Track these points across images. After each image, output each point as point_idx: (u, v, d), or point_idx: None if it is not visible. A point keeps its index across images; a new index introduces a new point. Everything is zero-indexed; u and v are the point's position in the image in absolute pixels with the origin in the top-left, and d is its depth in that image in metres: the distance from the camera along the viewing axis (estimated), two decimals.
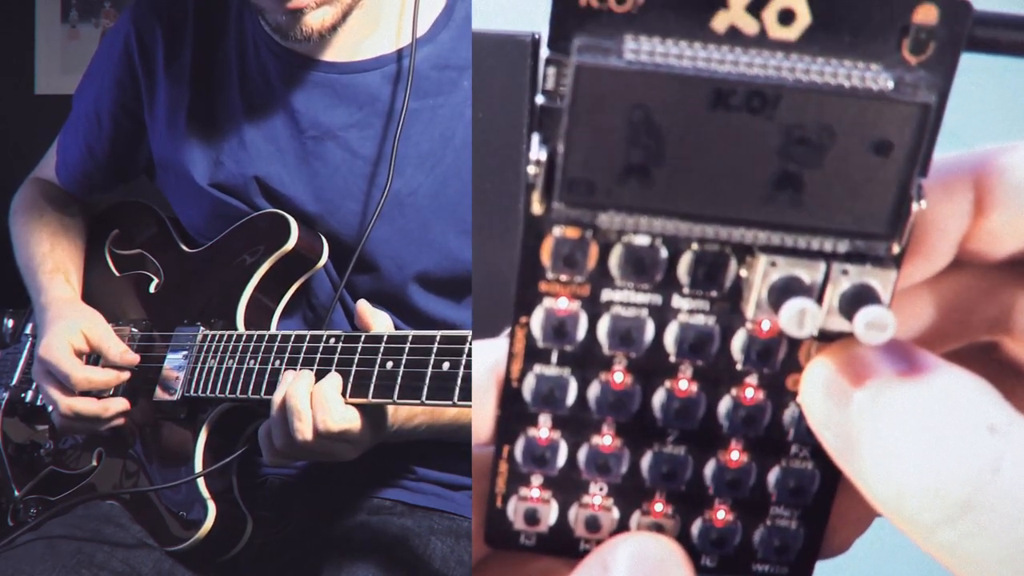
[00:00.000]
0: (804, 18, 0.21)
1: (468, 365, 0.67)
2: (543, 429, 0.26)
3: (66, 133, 1.05)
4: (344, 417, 0.71)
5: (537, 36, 0.64)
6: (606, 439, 0.26)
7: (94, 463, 0.94)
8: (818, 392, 0.23)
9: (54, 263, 1.00)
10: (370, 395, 0.71)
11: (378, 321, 0.76)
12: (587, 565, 0.25)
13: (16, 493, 0.97)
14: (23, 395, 1.02)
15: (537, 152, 0.23)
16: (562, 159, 0.22)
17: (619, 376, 0.25)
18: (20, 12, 1.74)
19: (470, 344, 0.68)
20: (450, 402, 0.68)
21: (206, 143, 0.91)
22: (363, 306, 0.76)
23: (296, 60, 0.89)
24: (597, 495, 0.27)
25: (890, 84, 0.21)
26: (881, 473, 0.21)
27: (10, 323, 1.09)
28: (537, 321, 0.25)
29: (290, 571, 0.86)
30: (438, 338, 0.70)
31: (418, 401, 0.69)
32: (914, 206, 0.22)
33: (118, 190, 1.06)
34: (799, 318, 0.22)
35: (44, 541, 0.84)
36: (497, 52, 0.98)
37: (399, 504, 0.89)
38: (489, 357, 0.26)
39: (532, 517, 0.27)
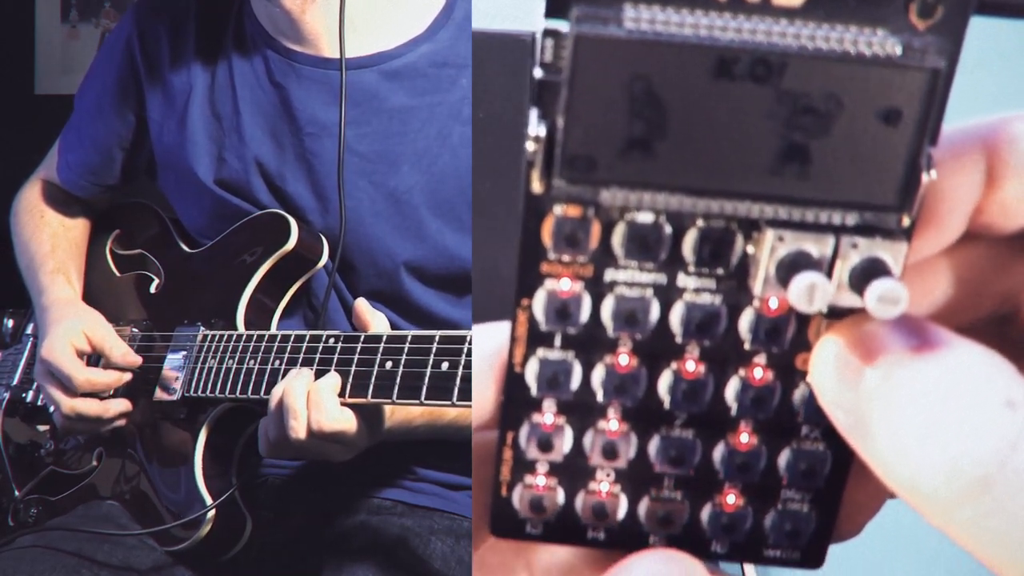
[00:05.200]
0: None
1: (468, 365, 0.67)
2: (548, 415, 0.25)
3: (68, 133, 1.05)
4: (338, 419, 0.71)
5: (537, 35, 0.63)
6: (612, 424, 0.25)
7: (94, 463, 0.94)
8: (829, 370, 0.22)
9: (55, 264, 1.00)
10: (369, 395, 0.71)
11: (376, 321, 0.76)
12: None
13: (16, 493, 0.97)
14: (24, 395, 1.02)
15: (536, 128, 0.22)
16: (562, 134, 0.21)
17: (624, 359, 0.24)
18: (20, 12, 1.74)
19: (469, 344, 0.68)
20: (449, 402, 0.67)
21: (209, 141, 0.91)
22: (361, 304, 0.76)
23: (294, 56, 0.89)
24: (604, 481, 0.26)
25: (898, 50, 0.20)
26: (895, 452, 0.20)
27: (11, 323, 1.09)
28: (539, 303, 0.24)
29: (290, 571, 0.86)
30: (437, 338, 0.70)
31: (417, 401, 0.69)
32: (924, 176, 0.21)
33: (120, 191, 1.06)
34: (809, 292, 0.21)
35: (44, 541, 0.84)
36: (497, 51, 0.98)
37: (399, 504, 0.89)
38: (490, 342, 0.25)
39: (538, 505, 0.26)
